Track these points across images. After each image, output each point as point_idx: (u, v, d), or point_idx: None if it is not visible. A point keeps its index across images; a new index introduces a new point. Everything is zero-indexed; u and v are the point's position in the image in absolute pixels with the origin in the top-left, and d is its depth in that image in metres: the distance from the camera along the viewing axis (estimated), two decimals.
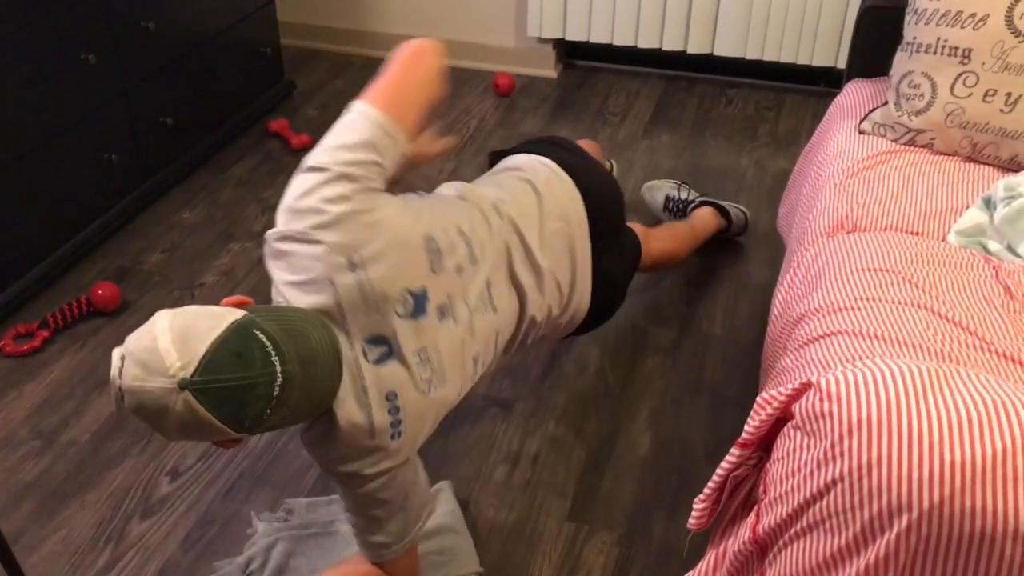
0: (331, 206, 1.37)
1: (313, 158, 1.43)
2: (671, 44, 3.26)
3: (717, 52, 3.24)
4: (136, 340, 1.21)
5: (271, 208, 2.70)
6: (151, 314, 2.30)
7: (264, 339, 1.23)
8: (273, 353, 1.23)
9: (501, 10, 3.40)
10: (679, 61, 3.43)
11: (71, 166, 2.38)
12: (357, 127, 1.42)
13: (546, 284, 1.67)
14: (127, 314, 2.30)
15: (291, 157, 2.96)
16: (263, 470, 1.88)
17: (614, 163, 2.62)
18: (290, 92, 3.33)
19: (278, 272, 1.41)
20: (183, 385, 1.17)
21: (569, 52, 3.54)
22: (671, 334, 2.23)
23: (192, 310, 1.25)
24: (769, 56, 3.20)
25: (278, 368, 1.23)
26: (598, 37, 3.30)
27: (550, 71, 3.46)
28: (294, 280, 1.38)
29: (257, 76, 3.12)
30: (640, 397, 2.06)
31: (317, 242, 1.36)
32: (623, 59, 3.49)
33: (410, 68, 1.49)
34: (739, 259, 2.48)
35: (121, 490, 1.85)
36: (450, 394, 1.51)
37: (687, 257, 2.30)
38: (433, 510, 1.62)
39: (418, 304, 1.43)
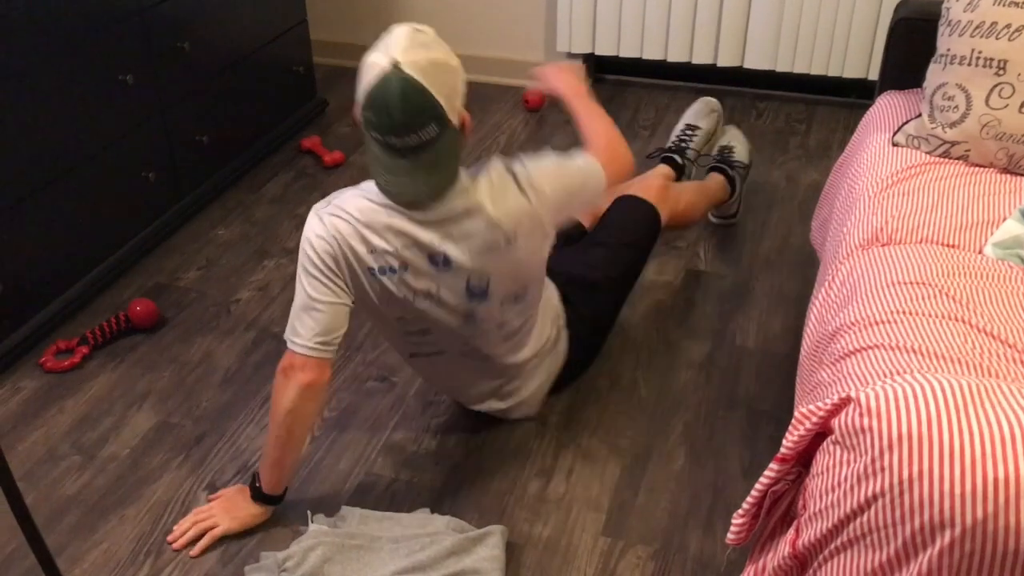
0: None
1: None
2: (701, 57, 3.26)
3: (747, 65, 3.24)
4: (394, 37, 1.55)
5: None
6: (188, 331, 2.33)
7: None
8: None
9: (531, 25, 3.42)
10: (709, 74, 3.43)
11: (109, 185, 2.43)
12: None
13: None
14: (164, 331, 2.33)
15: (324, 174, 2.99)
16: (299, 485, 1.90)
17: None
18: (323, 110, 3.36)
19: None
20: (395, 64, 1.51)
21: (599, 66, 3.55)
22: (704, 348, 2.23)
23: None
24: (799, 68, 3.19)
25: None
26: (627, 51, 3.31)
27: None
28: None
29: (290, 94, 3.16)
30: (674, 411, 2.05)
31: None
32: (653, 73, 3.50)
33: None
34: (772, 272, 2.48)
35: (160, 504, 1.87)
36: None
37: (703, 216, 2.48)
38: None
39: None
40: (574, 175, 1.74)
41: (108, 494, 1.89)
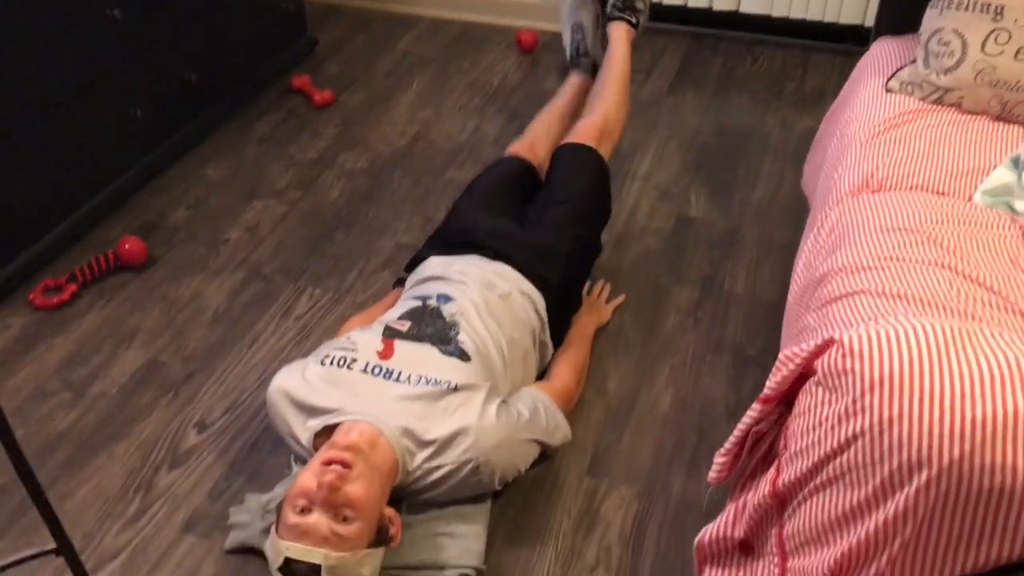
0: None
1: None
2: (697, 0, 3.22)
3: (743, 9, 3.20)
4: None
5: (295, 165, 2.71)
6: (177, 270, 2.32)
7: None
8: None
9: None
10: (704, 18, 3.38)
11: (96, 121, 2.40)
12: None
13: None
14: (153, 269, 2.33)
15: (314, 113, 2.96)
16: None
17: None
18: (312, 48, 3.32)
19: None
20: None
21: None
22: (693, 294, 2.23)
23: None
24: (796, 13, 3.16)
25: None
26: None
27: None
28: None
29: (280, 32, 3.12)
30: (661, 356, 2.07)
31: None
32: (648, 15, 3.45)
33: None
34: (763, 220, 2.48)
35: (150, 441, 1.88)
36: None
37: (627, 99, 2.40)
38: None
39: None
40: (532, 432, 1.71)
41: (98, 431, 1.91)
